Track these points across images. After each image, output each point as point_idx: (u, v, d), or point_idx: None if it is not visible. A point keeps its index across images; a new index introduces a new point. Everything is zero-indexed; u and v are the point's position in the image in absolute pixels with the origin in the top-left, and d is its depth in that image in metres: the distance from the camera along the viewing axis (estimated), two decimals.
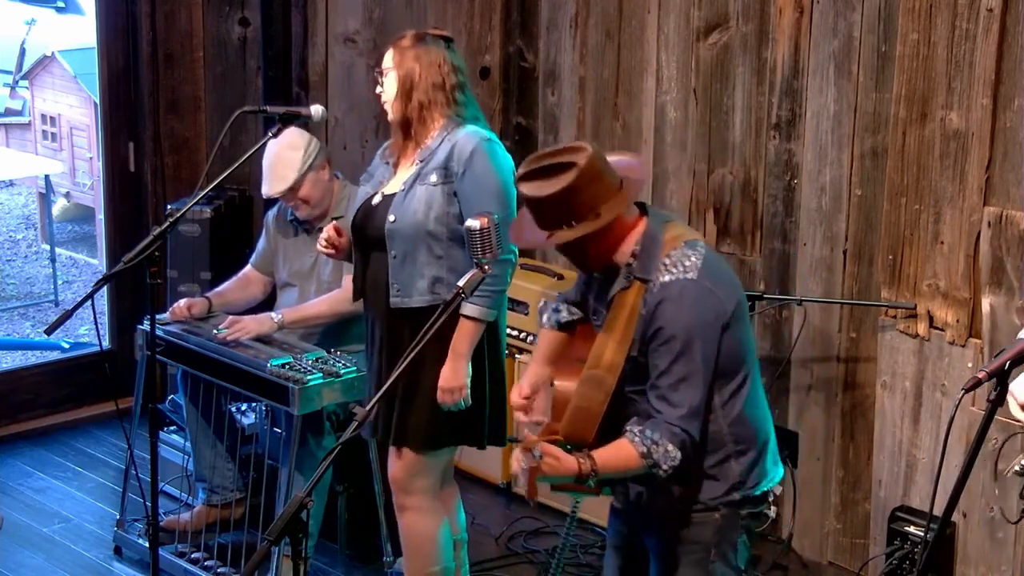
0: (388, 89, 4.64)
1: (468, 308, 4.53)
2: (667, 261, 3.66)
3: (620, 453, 3.62)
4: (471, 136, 4.61)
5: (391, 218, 4.63)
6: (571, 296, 4.04)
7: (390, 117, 4.68)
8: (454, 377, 4.58)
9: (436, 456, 4.75)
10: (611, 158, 3.72)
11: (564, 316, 4.02)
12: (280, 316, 5.39)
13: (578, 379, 3.73)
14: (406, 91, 4.61)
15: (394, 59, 4.64)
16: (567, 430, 3.68)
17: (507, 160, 4.66)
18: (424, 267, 4.61)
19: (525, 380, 3.96)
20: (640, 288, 3.66)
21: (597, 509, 5.75)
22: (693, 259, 3.67)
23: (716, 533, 3.79)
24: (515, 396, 3.94)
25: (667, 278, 3.64)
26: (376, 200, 4.70)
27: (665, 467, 3.60)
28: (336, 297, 5.36)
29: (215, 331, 5.35)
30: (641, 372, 3.69)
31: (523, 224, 3.78)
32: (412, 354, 3.57)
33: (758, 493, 3.82)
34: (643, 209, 3.75)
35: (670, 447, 3.59)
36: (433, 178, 4.60)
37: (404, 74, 4.61)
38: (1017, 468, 3.86)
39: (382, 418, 4.72)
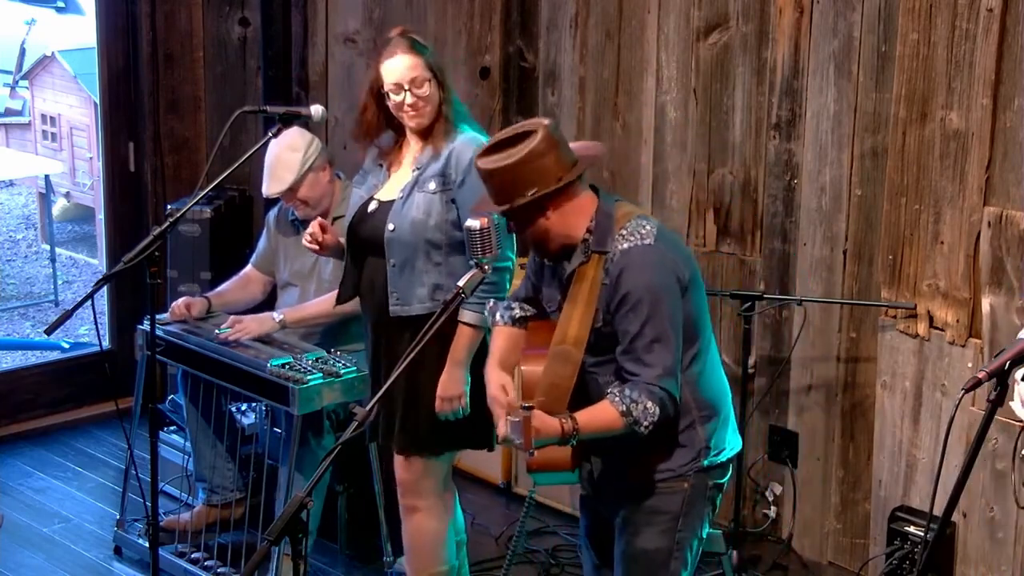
0: (429, 95, 4.58)
1: (466, 315, 4.52)
2: (624, 232, 3.78)
3: (601, 413, 3.71)
4: (469, 143, 4.57)
5: (390, 227, 4.60)
6: (520, 294, 4.13)
7: (419, 124, 4.61)
8: (452, 385, 4.57)
9: (442, 458, 4.74)
10: (571, 144, 3.85)
11: (517, 312, 4.10)
12: (281, 316, 5.39)
13: (541, 362, 3.81)
14: (443, 96, 4.60)
15: (424, 64, 4.57)
16: (539, 407, 3.71)
17: None
18: (423, 275, 4.59)
19: (503, 377, 4.00)
20: (599, 260, 3.77)
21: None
22: (648, 227, 3.80)
23: (684, 503, 3.88)
24: (500, 393, 3.97)
25: (626, 245, 3.76)
26: (372, 206, 4.67)
27: (645, 423, 3.69)
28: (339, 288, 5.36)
29: (217, 331, 5.35)
30: (604, 344, 3.78)
31: (481, 202, 3.90)
32: (410, 356, 3.62)
33: (723, 459, 3.93)
34: (594, 190, 3.88)
35: (649, 404, 3.68)
36: (432, 185, 4.57)
37: (440, 78, 4.60)
38: None
39: (383, 422, 4.71)
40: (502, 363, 4.04)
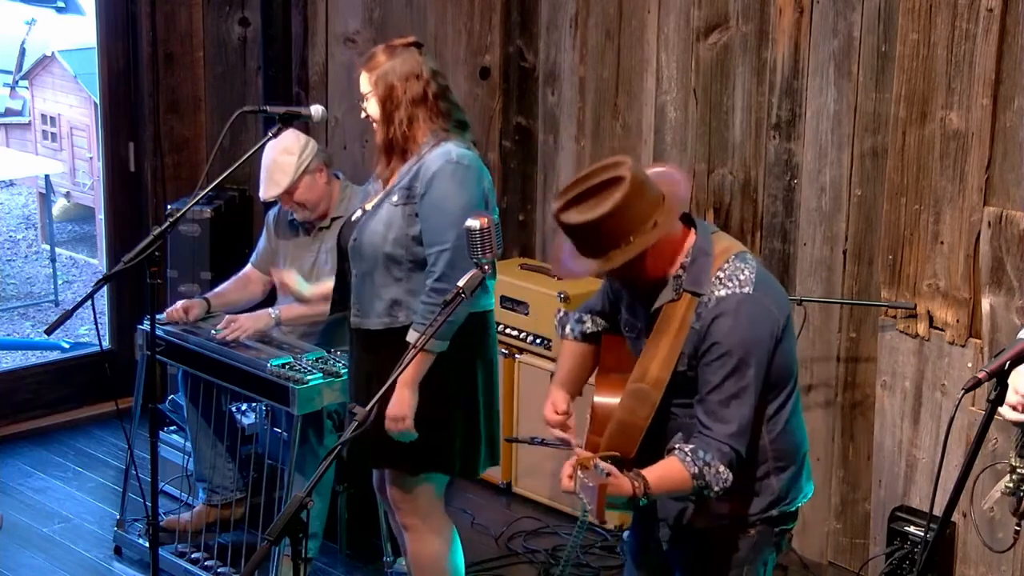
0: (372, 113, 4.50)
1: (411, 335, 4.39)
2: (721, 275, 3.59)
3: (671, 474, 3.53)
4: (439, 157, 4.43)
5: (353, 237, 4.55)
6: (594, 306, 3.94)
7: (378, 138, 4.54)
8: (396, 406, 4.41)
9: (426, 480, 4.63)
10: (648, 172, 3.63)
11: (589, 327, 3.93)
12: (277, 312, 5.39)
13: (616, 392, 3.66)
14: (388, 113, 4.47)
15: (370, 82, 4.48)
16: (609, 443, 3.61)
17: (476, 184, 4.46)
18: (382, 289, 4.50)
19: (558, 396, 3.88)
20: (691, 301, 3.58)
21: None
22: (747, 273, 3.60)
23: (751, 549, 3.74)
24: (550, 412, 3.86)
25: (723, 292, 3.57)
26: (356, 215, 4.62)
27: (717, 488, 3.54)
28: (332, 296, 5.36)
29: (213, 331, 5.35)
30: (687, 387, 3.61)
31: (564, 256, 3.63)
32: (405, 364, 3.62)
33: (793, 509, 3.78)
34: (688, 220, 3.66)
35: (721, 468, 3.52)
36: (395, 198, 4.48)
37: (382, 95, 4.47)
38: (1003, 489, 3.81)
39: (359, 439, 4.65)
40: (566, 382, 3.91)
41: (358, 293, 4.57)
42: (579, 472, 3.41)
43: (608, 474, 3.38)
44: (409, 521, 4.67)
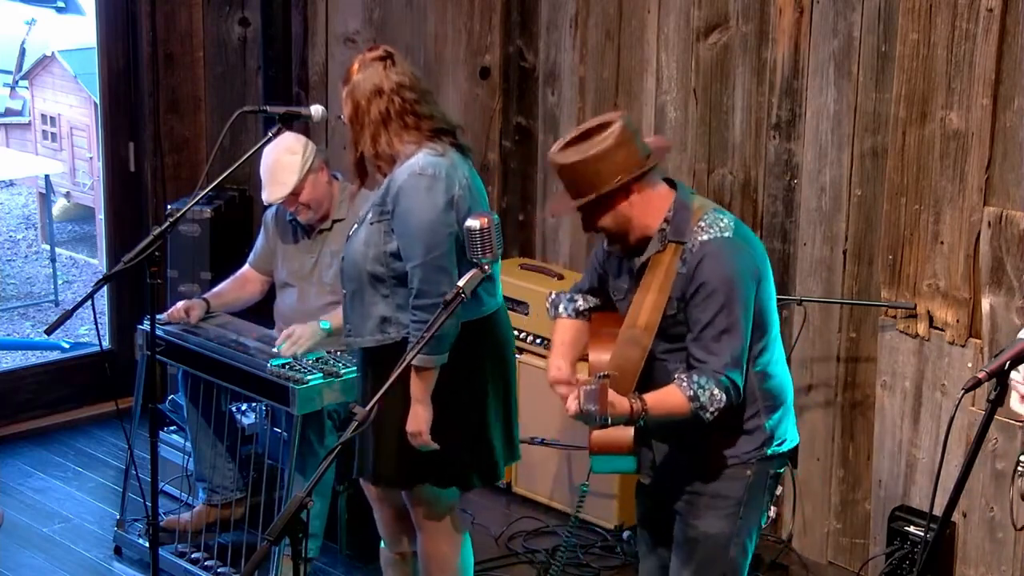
0: (349, 127, 4.48)
1: (409, 355, 4.38)
2: (702, 224, 3.86)
3: (669, 396, 3.77)
4: (405, 170, 4.38)
5: (342, 256, 4.56)
6: (584, 285, 4.16)
7: (348, 157, 4.53)
8: (413, 423, 4.44)
9: (428, 490, 4.61)
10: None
11: (581, 304, 4.14)
12: (328, 323, 5.29)
13: (609, 347, 3.86)
14: (355, 131, 4.43)
15: (345, 94, 4.45)
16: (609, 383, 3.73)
17: (444, 193, 4.38)
18: (371, 307, 4.48)
19: (560, 361, 4.03)
20: (675, 249, 3.84)
21: (598, 510, 5.76)
22: (726, 221, 3.89)
23: (746, 489, 3.95)
24: (555, 371, 4.01)
25: (705, 237, 3.83)
26: (351, 231, 4.62)
27: (712, 409, 3.76)
28: None
29: (274, 348, 5.26)
30: (677, 331, 3.85)
31: (558, 203, 3.99)
32: (400, 370, 3.72)
33: (784, 450, 4.00)
34: (670, 184, 3.95)
35: (716, 390, 3.75)
36: (370, 215, 4.46)
37: (350, 113, 4.43)
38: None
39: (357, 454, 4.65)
40: (565, 352, 4.07)
41: (348, 312, 4.55)
42: (582, 386, 3.59)
43: (606, 375, 3.60)
44: (424, 522, 4.68)
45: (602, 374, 3.62)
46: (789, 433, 4.04)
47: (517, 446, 4.75)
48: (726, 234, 3.85)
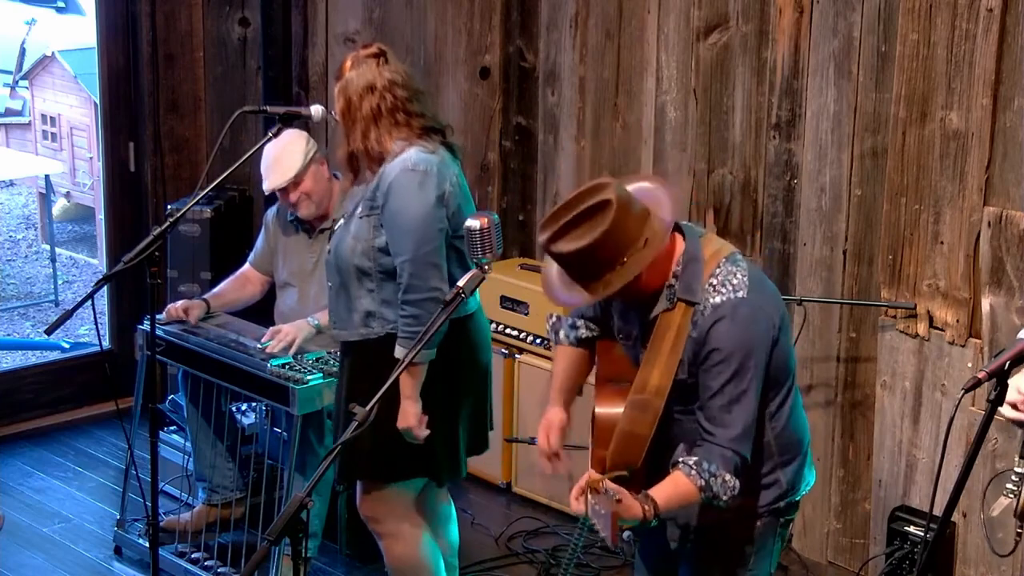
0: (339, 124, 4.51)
1: (398, 351, 4.37)
2: (714, 281, 3.61)
3: (679, 489, 3.55)
4: (396, 166, 4.39)
5: (328, 249, 4.57)
6: (588, 312, 3.94)
7: (338, 153, 4.55)
8: (402, 419, 4.43)
9: (396, 486, 4.61)
10: (629, 187, 3.61)
11: (583, 333, 3.95)
12: (317, 320, 5.30)
13: (617, 403, 3.67)
14: (347, 127, 4.46)
15: (337, 91, 4.48)
16: (615, 456, 3.62)
17: (434, 189, 4.39)
18: (356, 300, 4.49)
19: (555, 416, 3.90)
20: (686, 309, 3.59)
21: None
22: (739, 276, 3.62)
23: (757, 539, 3.78)
24: (543, 440, 3.90)
25: (718, 299, 3.58)
26: (338, 225, 4.64)
27: (725, 498, 3.56)
28: None
29: (259, 344, 5.28)
30: (688, 393, 3.64)
31: (555, 285, 3.62)
32: (399, 372, 3.62)
33: (798, 498, 3.83)
34: (676, 227, 3.65)
35: (727, 476, 3.54)
36: (360, 210, 4.47)
37: (342, 109, 4.46)
38: (1004, 492, 3.80)
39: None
40: (564, 388, 3.93)
41: (334, 306, 4.56)
42: (589, 496, 3.41)
43: (618, 499, 3.39)
44: (383, 528, 4.66)
45: (616, 496, 3.37)
46: (806, 479, 3.85)
47: (486, 442, 4.77)
48: (739, 294, 3.58)
